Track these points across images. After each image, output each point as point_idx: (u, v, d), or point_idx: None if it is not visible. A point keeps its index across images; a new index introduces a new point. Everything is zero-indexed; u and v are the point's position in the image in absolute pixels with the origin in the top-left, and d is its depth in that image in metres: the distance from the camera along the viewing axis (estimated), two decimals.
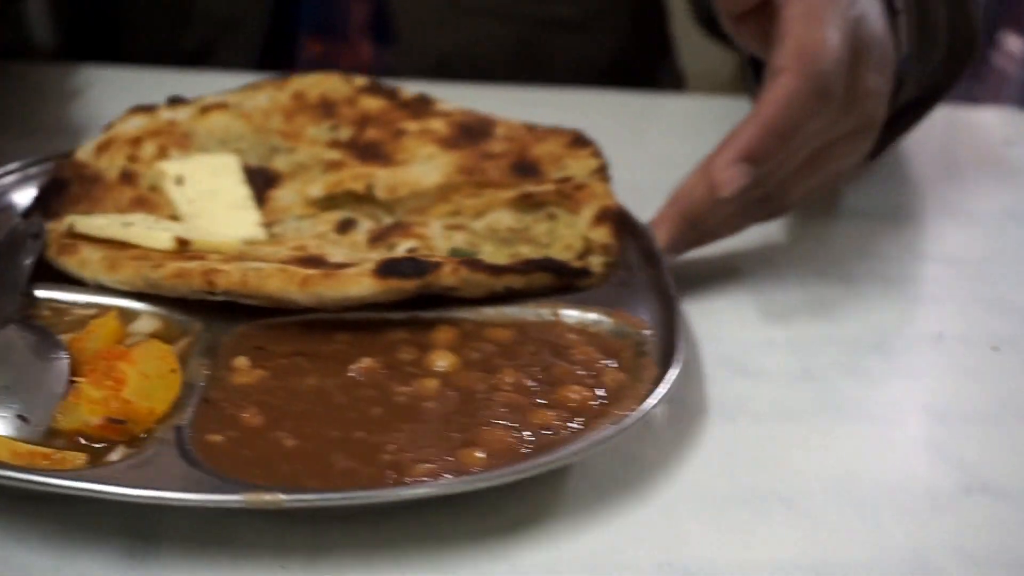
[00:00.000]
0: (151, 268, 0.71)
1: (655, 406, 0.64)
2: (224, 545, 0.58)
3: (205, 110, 0.91)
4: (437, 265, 0.72)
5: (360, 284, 0.70)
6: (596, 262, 0.79)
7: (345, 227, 0.83)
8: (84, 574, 0.56)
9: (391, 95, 0.95)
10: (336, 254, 0.76)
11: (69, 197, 0.82)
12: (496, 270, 0.74)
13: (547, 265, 0.76)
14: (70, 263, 0.74)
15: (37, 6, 1.25)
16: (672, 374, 0.66)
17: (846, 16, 0.76)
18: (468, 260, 0.74)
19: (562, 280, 0.76)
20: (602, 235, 0.80)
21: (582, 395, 0.66)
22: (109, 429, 0.60)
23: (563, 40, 1.25)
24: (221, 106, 0.91)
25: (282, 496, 0.56)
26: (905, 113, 0.97)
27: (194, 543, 0.58)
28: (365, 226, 0.83)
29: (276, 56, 1.21)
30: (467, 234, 0.82)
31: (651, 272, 0.78)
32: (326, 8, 1.22)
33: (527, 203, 0.84)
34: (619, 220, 0.82)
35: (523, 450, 0.62)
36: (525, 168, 0.88)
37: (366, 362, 0.68)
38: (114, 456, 0.60)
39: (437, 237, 0.81)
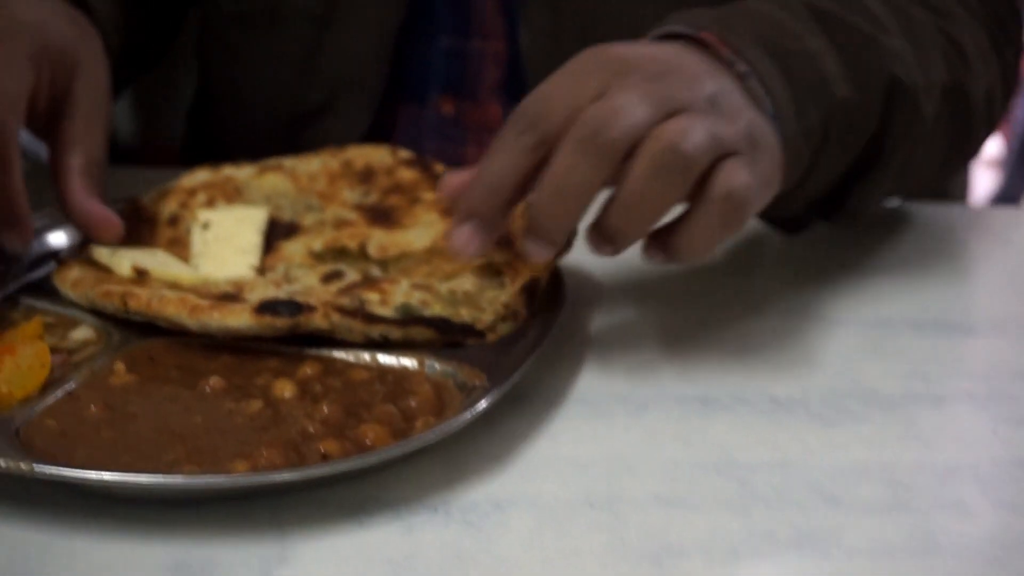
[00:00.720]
0: (92, 287, 0.84)
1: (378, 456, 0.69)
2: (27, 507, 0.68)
3: (263, 170, 1.04)
4: (311, 308, 0.80)
5: (239, 318, 0.80)
6: (504, 327, 0.83)
7: (330, 278, 0.92)
8: None
9: (426, 167, 1.03)
10: (264, 293, 0.86)
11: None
12: (370, 318, 0.81)
13: (425, 320, 0.81)
14: (56, 278, 0.88)
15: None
16: (441, 428, 0.71)
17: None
18: (344, 306, 0.82)
19: (445, 336, 0.81)
20: (517, 302, 0.84)
21: (377, 434, 0.72)
22: None
23: None
24: (277, 167, 1.04)
25: (34, 467, 0.66)
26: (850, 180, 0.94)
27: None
28: (349, 279, 0.92)
29: (396, 113, 1.26)
30: (427, 294, 0.88)
31: (536, 337, 0.82)
32: (457, 67, 1.25)
33: (488, 271, 0.89)
34: (536, 290, 0.86)
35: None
36: (503, 240, 0.94)
37: (215, 380, 0.77)
38: None
39: (398, 293, 0.89)
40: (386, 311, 0.83)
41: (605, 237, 0.76)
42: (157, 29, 1.30)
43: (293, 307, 0.80)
